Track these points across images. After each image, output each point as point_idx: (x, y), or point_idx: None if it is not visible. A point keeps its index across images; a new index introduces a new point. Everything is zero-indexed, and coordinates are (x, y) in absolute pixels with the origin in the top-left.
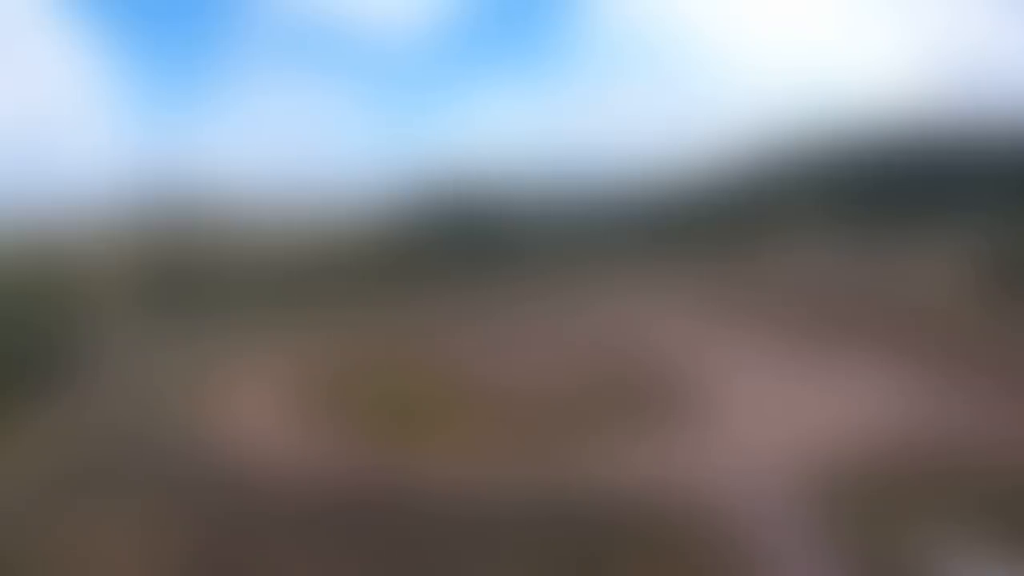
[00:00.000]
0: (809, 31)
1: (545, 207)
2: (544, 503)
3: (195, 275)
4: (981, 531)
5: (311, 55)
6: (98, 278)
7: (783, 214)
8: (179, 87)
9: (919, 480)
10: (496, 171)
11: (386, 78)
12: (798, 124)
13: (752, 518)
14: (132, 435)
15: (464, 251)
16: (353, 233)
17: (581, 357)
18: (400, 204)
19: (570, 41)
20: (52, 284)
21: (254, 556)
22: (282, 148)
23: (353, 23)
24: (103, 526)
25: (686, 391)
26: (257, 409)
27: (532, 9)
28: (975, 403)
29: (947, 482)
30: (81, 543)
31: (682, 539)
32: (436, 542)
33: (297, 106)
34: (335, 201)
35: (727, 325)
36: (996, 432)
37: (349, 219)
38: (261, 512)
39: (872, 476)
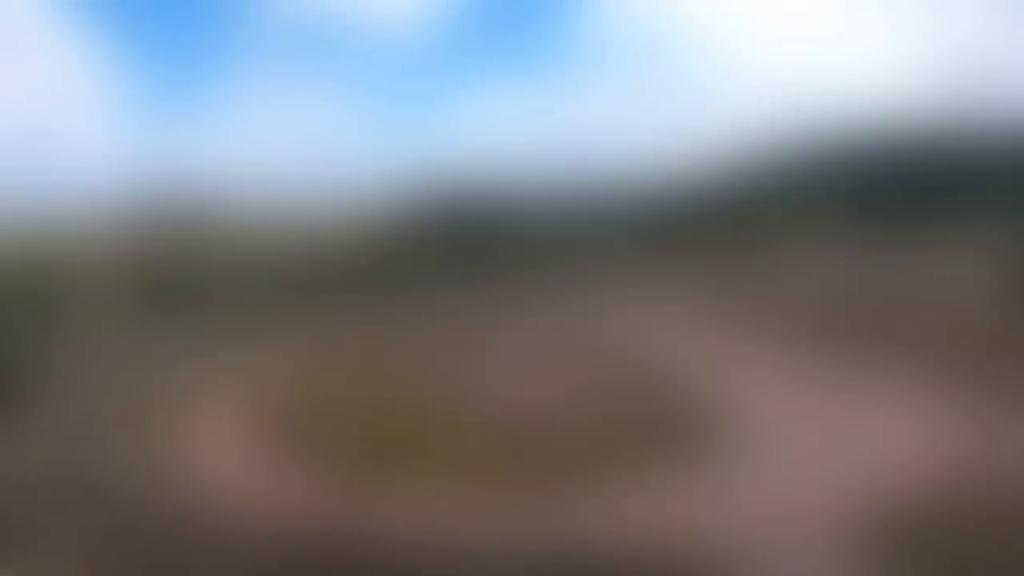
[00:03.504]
0: (817, 28)
1: (550, 210)
2: (546, 551)
3: (190, 280)
4: None
5: (311, 54)
6: (96, 280)
7: (799, 215)
8: (178, 87)
9: (981, 524)
10: (498, 172)
11: (387, 78)
12: (810, 123)
13: (783, 570)
14: (93, 452)
15: (466, 256)
16: (352, 236)
17: (588, 377)
18: (401, 207)
19: (572, 40)
20: (48, 285)
21: None
22: (282, 148)
23: (354, 22)
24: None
25: (708, 418)
26: (231, 434)
27: (535, 8)
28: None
29: (1009, 525)
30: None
31: None
32: None
33: (297, 106)
34: (334, 203)
35: (748, 338)
36: None
37: (348, 221)
38: (220, 556)
39: (927, 519)
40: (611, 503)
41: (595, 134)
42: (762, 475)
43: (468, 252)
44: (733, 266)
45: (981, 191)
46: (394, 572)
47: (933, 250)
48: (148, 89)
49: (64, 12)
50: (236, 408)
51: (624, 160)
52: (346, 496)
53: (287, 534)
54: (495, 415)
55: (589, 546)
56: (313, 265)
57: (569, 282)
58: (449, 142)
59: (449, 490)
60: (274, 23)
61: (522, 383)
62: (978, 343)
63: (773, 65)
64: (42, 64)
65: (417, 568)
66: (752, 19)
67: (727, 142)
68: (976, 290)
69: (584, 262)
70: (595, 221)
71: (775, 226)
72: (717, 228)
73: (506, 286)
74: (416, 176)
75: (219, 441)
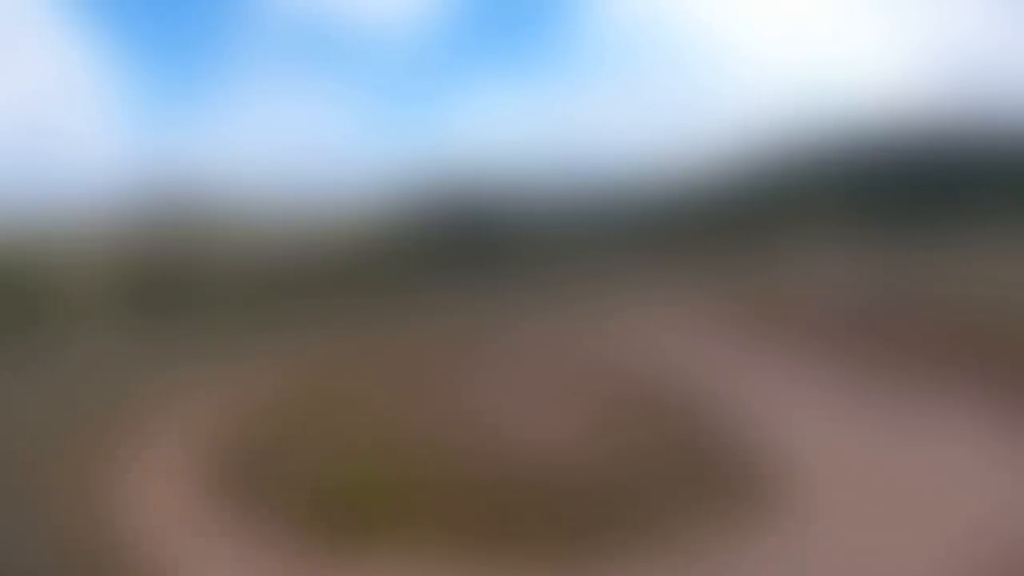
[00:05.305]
0: (817, 27)
1: (549, 209)
2: None
3: (188, 280)
4: None
5: (310, 54)
6: (94, 279)
7: (799, 214)
8: (178, 86)
9: None
10: (497, 172)
11: (386, 77)
12: (810, 122)
13: None
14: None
15: (464, 256)
16: (350, 235)
17: (596, 393)
18: (400, 206)
19: (571, 40)
20: (46, 284)
21: None
22: (280, 147)
23: (353, 22)
24: None
25: (731, 435)
26: (198, 474)
27: (534, 8)
28: None
29: None
30: None
31: None
32: None
33: (296, 105)
34: (332, 202)
35: (754, 342)
36: None
37: (346, 220)
38: None
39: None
40: (636, 561)
41: (595, 133)
42: (833, 529)
43: (466, 252)
44: (734, 266)
45: (981, 190)
46: None
47: (932, 249)
48: (148, 89)
49: (64, 12)
50: (215, 431)
51: (624, 160)
52: (322, 554)
53: None
54: (498, 447)
55: None
56: (311, 265)
57: (569, 283)
58: (448, 142)
59: (444, 547)
60: (274, 23)
61: (527, 403)
62: (990, 344)
63: (773, 64)
64: (42, 63)
65: None
66: (752, 18)
67: (727, 141)
68: (978, 289)
69: (584, 262)
70: (595, 221)
71: (775, 225)
72: (717, 227)
73: (505, 286)
74: (415, 175)
75: (183, 486)
